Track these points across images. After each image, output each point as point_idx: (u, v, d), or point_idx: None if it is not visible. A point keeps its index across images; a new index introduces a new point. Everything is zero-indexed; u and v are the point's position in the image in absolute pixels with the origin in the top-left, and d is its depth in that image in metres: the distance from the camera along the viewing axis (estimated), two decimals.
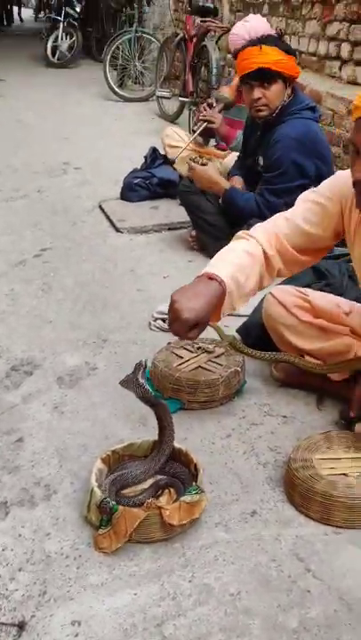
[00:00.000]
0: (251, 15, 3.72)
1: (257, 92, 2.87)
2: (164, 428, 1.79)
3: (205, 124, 3.62)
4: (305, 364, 2.12)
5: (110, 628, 1.36)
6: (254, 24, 3.44)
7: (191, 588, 1.46)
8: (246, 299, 1.87)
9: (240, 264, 1.82)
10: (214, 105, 3.72)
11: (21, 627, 1.40)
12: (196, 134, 3.78)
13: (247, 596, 1.42)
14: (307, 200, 1.97)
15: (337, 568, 1.50)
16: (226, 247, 1.92)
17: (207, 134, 3.79)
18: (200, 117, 3.67)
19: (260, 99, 2.88)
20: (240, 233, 1.97)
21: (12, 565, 1.56)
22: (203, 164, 3.19)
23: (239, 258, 1.84)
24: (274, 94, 2.87)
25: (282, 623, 1.35)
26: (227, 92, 3.75)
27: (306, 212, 1.94)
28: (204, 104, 3.79)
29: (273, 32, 3.36)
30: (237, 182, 3.23)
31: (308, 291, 2.22)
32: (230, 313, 1.88)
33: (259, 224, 1.99)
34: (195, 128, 3.83)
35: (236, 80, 3.66)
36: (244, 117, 3.67)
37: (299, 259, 1.95)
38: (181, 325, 1.73)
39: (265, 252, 1.88)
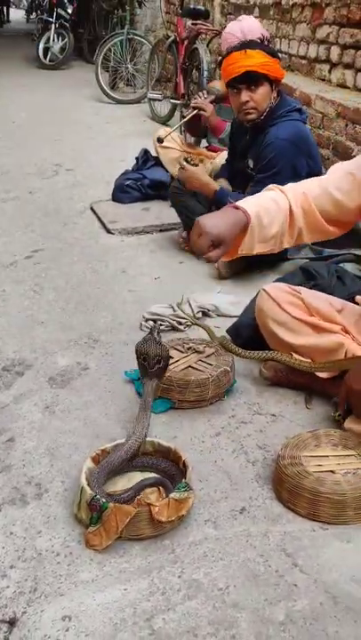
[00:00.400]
0: (244, 15, 3.75)
1: (244, 96, 2.90)
2: (148, 400, 1.89)
3: (196, 111, 3.62)
4: (294, 362, 2.15)
5: (100, 622, 1.38)
6: (249, 23, 3.46)
7: (180, 583, 1.48)
8: (266, 245, 1.88)
9: (266, 207, 1.84)
10: (206, 96, 3.75)
11: (12, 623, 1.42)
12: (185, 119, 3.78)
13: (235, 591, 1.45)
14: (339, 169, 1.98)
15: (323, 562, 1.52)
16: (256, 194, 1.95)
17: (196, 124, 3.77)
18: (192, 104, 3.69)
19: (247, 102, 2.91)
20: (271, 185, 1.97)
21: (3, 563, 1.58)
22: (194, 165, 3.22)
23: (266, 202, 1.86)
24: (261, 97, 2.91)
25: (269, 616, 1.37)
26: (219, 85, 3.75)
27: (337, 180, 1.94)
28: (198, 93, 3.82)
29: (266, 33, 3.39)
30: (223, 184, 3.26)
31: (301, 289, 2.25)
32: (247, 254, 1.87)
33: (292, 183, 1.98)
34: (185, 114, 3.85)
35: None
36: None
37: (322, 225, 1.93)
38: (205, 239, 1.75)
39: (290, 206, 1.88)
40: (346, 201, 1.93)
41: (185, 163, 3.22)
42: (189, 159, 3.26)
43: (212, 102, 3.70)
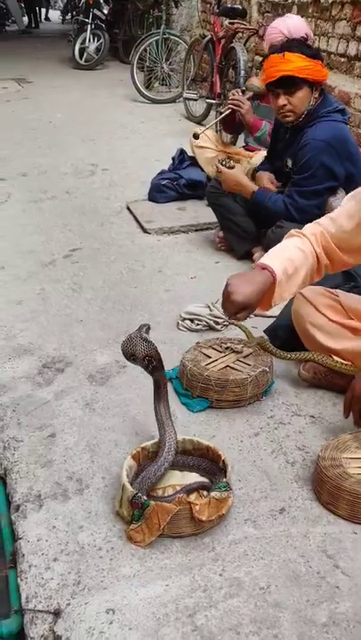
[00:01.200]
0: (290, 14, 3.70)
1: (282, 100, 2.90)
2: (161, 399, 1.81)
3: (231, 108, 3.57)
4: (333, 363, 2.14)
5: (144, 616, 1.40)
6: (294, 21, 3.43)
7: (222, 581, 1.49)
8: (297, 289, 2.03)
9: (291, 258, 1.97)
10: (243, 94, 3.72)
11: (57, 614, 1.45)
12: (221, 116, 3.75)
13: (277, 590, 1.45)
14: (351, 198, 2.03)
15: None
16: (280, 243, 2.06)
17: (232, 121, 3.73)
18: (228, 101, 3.66)
19: (285, 105, 2.90)
20: (293, 231, 2.09)
21: (47, 555, 1.61)
22: (230, 167, 3.22)
23: (290, 252, 1.99)
24: (299, 100, 2.89)
25: (311, 617, 1.38)
26: (257, 82, 3.71)
27: (350, 209, 2.00)
28: (235, 90, 3.80)
29: (310, 32, 3.37)
30: (264, 177, 3.23)
31: (338, 291, 2.24)
32: (280, 302, 2.03)
33: (309, 224, 2.10)
34: (221, 110, 3.83)
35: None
36: (272, 118, 3.67)
37: (342, 258, 2.04)
38: (232, 306, 1.92)
39: (314, 249, 2.02)
40: (358, 230, 1.98)
41: (220, 165, 3.22)
42: (224, 162, 3.25)
43: (249, 99, 3.67)
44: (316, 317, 2.19)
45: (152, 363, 1.79)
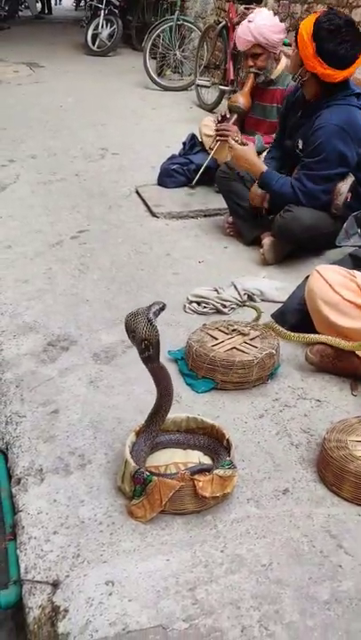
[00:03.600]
0: (255, 14, 3.62)
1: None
2: (161, 387, 1.69)
3: (219, 142, 3.60)
4: (340, 342, 2.12)
5: (143, 589, 1.39)
6: (259, 26, 3.45)
7: (223, 557, 1.48)
8: None
9: None
10: (228, 116, 3.69)
11: (55, 585, 1.44)
12: (214, 150, 3.78)
13: (279, 568, 1.44)
14: None
15: None
16: None
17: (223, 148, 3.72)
18: (215, 134, 3.66)
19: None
20: None
21: (47, 528, 1.60)
22: (243, 144, 3.19)
23: None
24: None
25: (313, 594, 1.36)
26: (240, 101, 3.66)
27: None
28: (217, 117, 3.77)
29: (279, 28, 3.44)
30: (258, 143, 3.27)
31: (357, 272, 2.22)
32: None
33: None
34: (212, 146, 3.82)
35: (248, 85, 3.65)
36: (270, 116, 3.64)
37: None
38: None
39: None
40: None
41: (233, 141, 3.18)
42: (237, 138, 3.22)
43: (235, 123, 3.64)
44: (330, 295, 2.17)
45: (148, 350, 1.63)
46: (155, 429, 1.77)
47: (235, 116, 3.67)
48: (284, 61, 3.61)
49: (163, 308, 1.67)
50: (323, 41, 2.76)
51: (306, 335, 2.19)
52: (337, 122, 2.85)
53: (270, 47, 3.51)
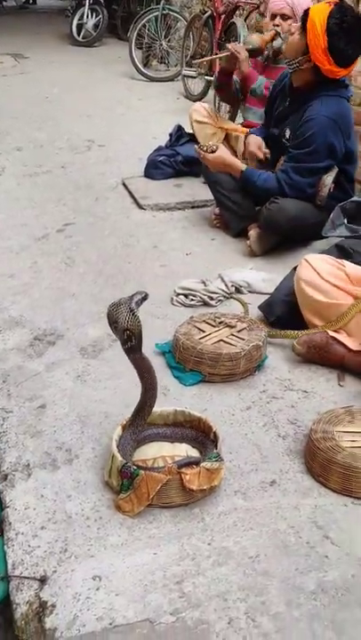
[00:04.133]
0: None
1: None
2: (144, 380, 1.67)
3: (229, 52, 3.47)
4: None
5: (131, 583, 1.39)
6: None
7: (210, 550, 1.48)
8: None
9: None
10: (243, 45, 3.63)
11: (43, 581, 1.44)
12: (218, 56, 3.66)
13: (266, 560, 1.44)
14: None
15: (356, 536, 1.51)
16: None
17: (228, 85, 3.63)
18: (228, 45, 3.56)
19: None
20: None
21: (34, 524, 1.60)
22: (212, 151, 3.15)
23: None
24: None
25: (300, 585, 1.37)
26: (256, 39, 3.59)
27: None
28: (210, 107, 3.74)
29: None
30: (252, 143, 3.16)
31: (345, 262, 2.23)
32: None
33: None
34: (218, 52, 3.72)
35: (268, 35, 3.53)
36: (259, 120, 3.57)
37: None
38: None
39: None
40: None
41: (201, 151, 3.16)
42: (205, 147, 3.19)
43: (246, 59, 3.56)
44: (318, 283, 2.20)
45: (131, 340, 1.61)
46: (141, 423, 1.77)
47: (248, 46, 3.56)
48: None
49: (145, 298, 1.67)
50: (334, 38, 2.71)
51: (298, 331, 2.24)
52: (328, 114, 2.83)
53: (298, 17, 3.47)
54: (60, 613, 1.34)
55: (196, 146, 3.29)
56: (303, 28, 2.79)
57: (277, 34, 3.49)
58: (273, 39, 3.51)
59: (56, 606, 1.36)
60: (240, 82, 3.63)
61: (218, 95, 3.98)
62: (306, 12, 2.81)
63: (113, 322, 1.65)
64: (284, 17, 3.45)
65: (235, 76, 3.64)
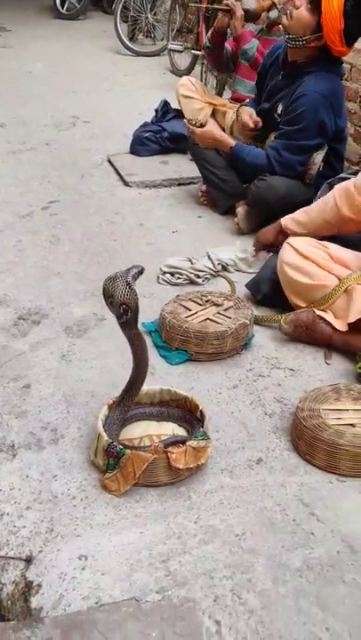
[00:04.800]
0: None
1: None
2: (137, 357, 1.67)
3: (227, 5, 3.38)
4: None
5: (117, 562, 1.39)
6: None
7: (197, 528, 1.48)
8: (319, 230, 2.37)
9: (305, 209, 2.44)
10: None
11: (29, 561, 1.44)
12: (215, 6, 3.59)
13: (252, 537, 1.45)
14: None
15: (341, 513, 1.52)
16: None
17: (220, 48, 3.54)
18: (224, 1, 3.44)
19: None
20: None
21: (19, 504, 1.59)
22: (201, 125, 3.10)
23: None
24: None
25: (286, 562, 1.37)
26: (253, 1, 3.49)
27: None
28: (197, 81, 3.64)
29: None
30: (244, 112, 3.09)
31: (328, 243, 2.22)
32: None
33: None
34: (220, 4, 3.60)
35: (265, 2, 3.45)
36: (253, 93, 3.50)
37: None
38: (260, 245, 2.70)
39: (335, 200, 2.29)
40: None
41: (191, 126, 3.11)
42: (194, 122, 3.14)
43: (241, 21, 3.46)
44: (299, 262, 2.19)
45: (127, 314, 1.61)
46: (128, 403, 1.76)
47: (245, 7, 3.45)
48: None
49: (141, 272, 1.66)
50: (350, 20, 2.67)
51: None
52: (321, 90, 2.78)
53: None
54: (45, 593, 1.33)
55: (184, 119, 3.22)
56: (313, 5, 2.71)
57: (274, 4, 3.41)
58: (270, 9, 3.43)
59: (42, 586, 1.35)
60: (231, 49, 3.55)
61: (208, 60, 3.84)
62: None
63: (109, 296, 1.63)
64: None
65: (226, 45, 3.56)
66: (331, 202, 2.29)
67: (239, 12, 3.38)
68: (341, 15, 2.64)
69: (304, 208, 2.45)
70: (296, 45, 2.82)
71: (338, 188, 2.31)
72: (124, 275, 1.62)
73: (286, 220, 2.47)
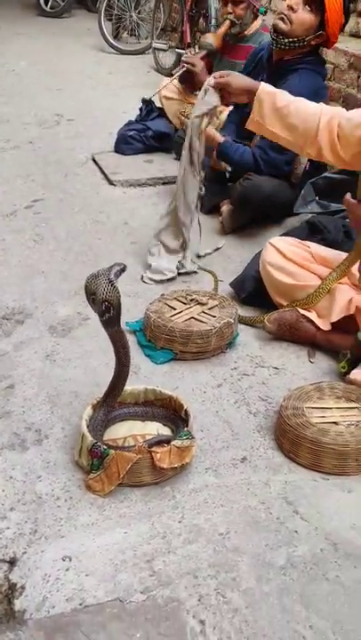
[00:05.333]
0: None
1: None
2: (119, 355, 1.67)
3: (185, 68, 3.47)
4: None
5: (101, 563, 1.38)
6: None
7: (181, 527, 1.48)
8: (283, 129, 2.16)
9: (289, 99, 2.16)
10: (197, 52, 3.63)
11: (12, 562, 1.42)
12: (174, 77, 3.70)
13: (236, 536, 1.45)
14: None
15: (324, 511, 1.52)
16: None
17: (188, 80, 3.64)
18: (182, 60, 3.57)
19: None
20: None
21: (3, 505, 1.57)
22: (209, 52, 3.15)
23: (293, 100, 2.17)
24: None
25: (270, 560, 1.38)
26: (211, 39, 3.59)
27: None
28: (188, 50, 3.70)
29: None
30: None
31: (310, 243, 2.24)
32: (261, 126, 2.21)
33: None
34: (174, 72, 3.74)
35: (221, 29, 3.55)
36: (236, 70, 3.53)
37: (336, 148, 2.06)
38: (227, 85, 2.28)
39: (319, 121, 2.08)
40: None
41: (185, 119, 3.11)
42: (185, 113, 3.15)
43: (203, 58, 3.55)
44: (281, 263, 2.19)
45: (109, 311, 1.61)
46: (112, 402, 1.75)
47: (203, 52, 3.58)
48: (260, 20, 3.55)
49: (123, 270, 1.66)
50: (348, 15, 2.80)
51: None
52: (304, 89, 2.78)
53: None
54: (29, 595, 1.33)
55: (180, 113, 3.20)
56: (311, 5, 2.72)
57: (232, 23, 3.50)
58: (230, 28, 3.52)
59: (25, 588, 1.34)
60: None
61: (185, 88, 3.95)
62: None
63: (91, 293, 1.63)
64: (236, 2, 3.44)
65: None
66: (314, 120, 2.09)
67: (200, 65, 3.41)
68: (342, 12, 2.73)
69: (288, 96, 2.18)
70: (295, 47, 2.84)
71: (325, 115, 2.10)
72: (107, 272, 1.62)
73: (264, 88, 2.18)
